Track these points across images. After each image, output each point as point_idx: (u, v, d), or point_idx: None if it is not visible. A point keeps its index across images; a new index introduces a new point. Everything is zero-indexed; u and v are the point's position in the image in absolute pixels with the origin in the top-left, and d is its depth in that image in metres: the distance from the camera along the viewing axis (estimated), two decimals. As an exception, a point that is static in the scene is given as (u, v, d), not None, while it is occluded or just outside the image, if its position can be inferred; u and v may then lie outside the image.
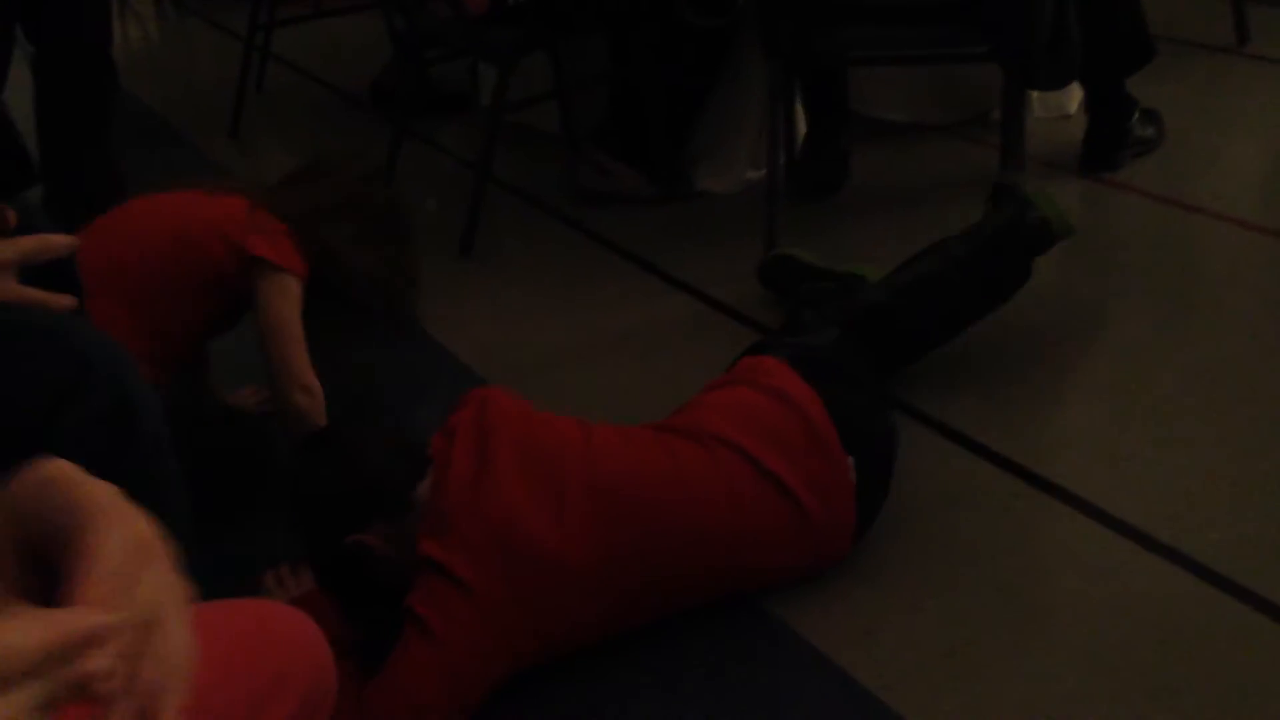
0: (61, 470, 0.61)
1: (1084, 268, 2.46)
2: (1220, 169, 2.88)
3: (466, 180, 2.76)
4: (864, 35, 2.45)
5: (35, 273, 0.94)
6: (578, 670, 1.53)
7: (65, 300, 0.96)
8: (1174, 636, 1.50)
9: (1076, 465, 1.83)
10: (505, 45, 2.64)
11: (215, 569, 1.64)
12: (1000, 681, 1.46)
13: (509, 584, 1.43)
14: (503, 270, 2.63)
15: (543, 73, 3.06)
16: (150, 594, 0.58)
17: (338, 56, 4.14)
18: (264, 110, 3.72)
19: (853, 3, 2.39)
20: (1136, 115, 2.84)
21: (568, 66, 3.05)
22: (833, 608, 1.60)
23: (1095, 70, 2.65)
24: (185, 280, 1.80)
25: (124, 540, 0.58)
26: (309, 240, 1.84)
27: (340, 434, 1.61)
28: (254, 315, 1.82)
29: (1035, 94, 3.00)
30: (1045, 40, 2.31)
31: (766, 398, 1.64)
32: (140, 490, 1.12)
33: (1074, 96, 3.06)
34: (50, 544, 0.59)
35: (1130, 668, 1.46)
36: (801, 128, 2.90)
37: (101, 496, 0.60)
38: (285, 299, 1.79)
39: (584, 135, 3.02)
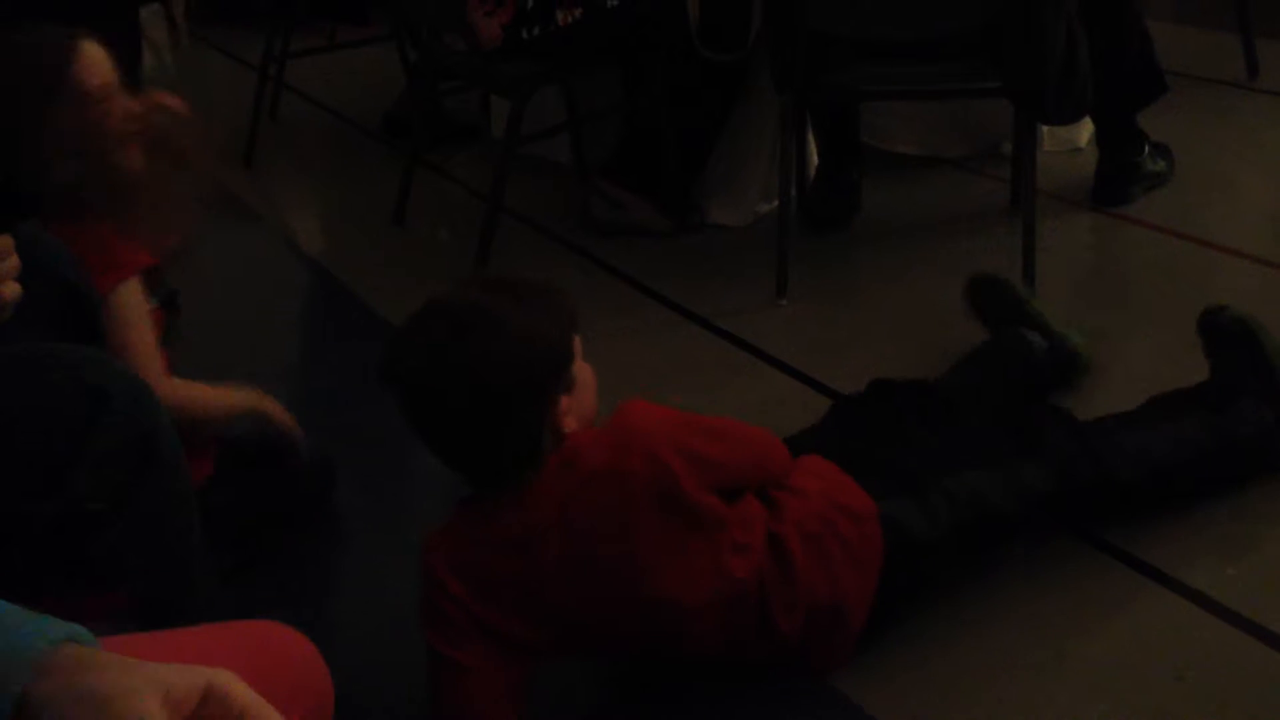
0: None
1: (1095, 301, 2.46)
2: (1232, 203, 2.88)
3: (478, 211, 2.77)
4: (876, 71, 2.46)
5: (54, 314, 0.94)
6: (579, 689, 1.53)
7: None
8: (1189, 673, 1.49)
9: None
10: (519, 79, 2.66)
11: (242, 599, 1.66)
12: (999, 704, 1.45)
13: None
14: (514, 301, 2.63)
15: (555, 104, 3.08)
16: None
17: (351, 88, 4.16)
18: (278, 140, 3.74)
19: (865, 39, 2.40)
20: (1147, 149, 2.84)
21: (580, 98, 3.07)
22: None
23: (1106, 105, 2.66)
24: None
25: None
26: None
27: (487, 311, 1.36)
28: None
29: (1046, 128, 3.01)
30: (1057, 75, 2.32)
31: (837, 514, 1.51)
32: (159, 518, 1.13)
33: (1084, 130, 3.07)
34: None
35: (1147, 704, 1.45)
36: (813, 160, 2.91)
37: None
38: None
39: (596, 167, 3.03)
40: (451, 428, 1.37)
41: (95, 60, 1.55)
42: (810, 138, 2.89)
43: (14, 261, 0.87)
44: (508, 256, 2.78)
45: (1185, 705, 1.45)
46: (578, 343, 1.41)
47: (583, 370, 1.44)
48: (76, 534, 1.07)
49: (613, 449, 1.38)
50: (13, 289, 0.87)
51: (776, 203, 2.61)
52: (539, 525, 1.38)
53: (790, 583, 1.45)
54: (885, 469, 1.58)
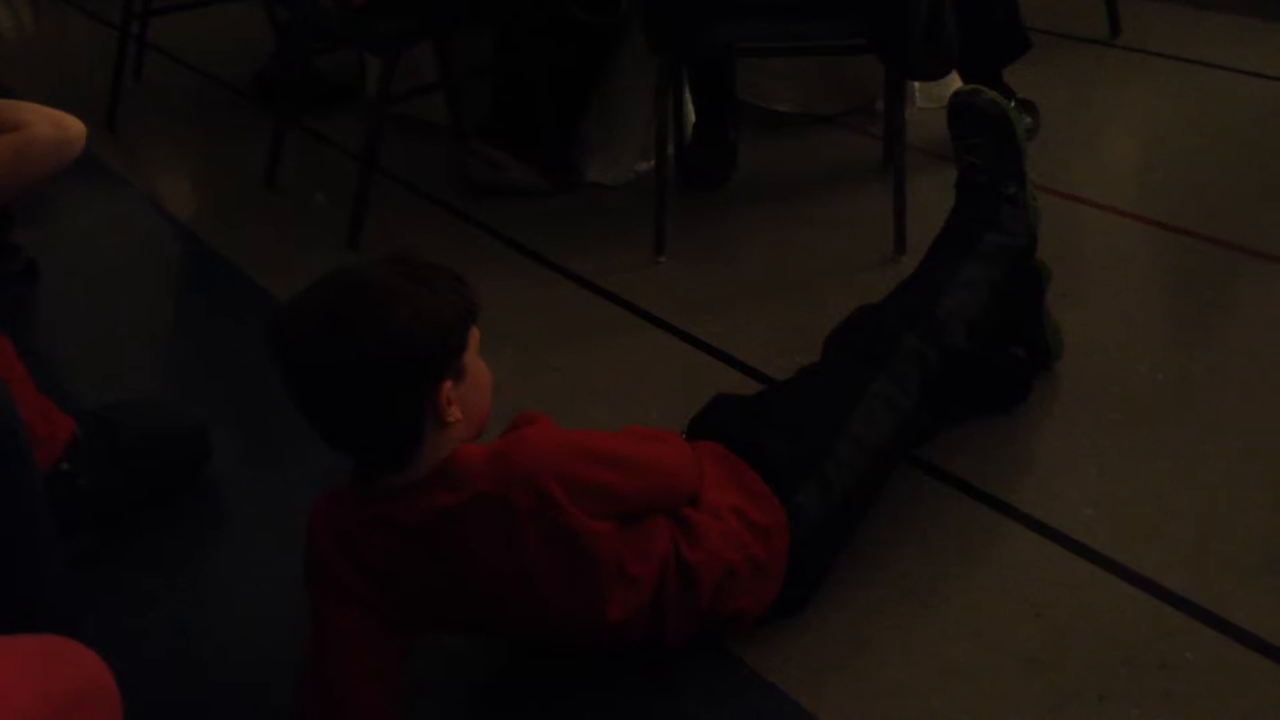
0: None
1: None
2: (1096, 158, 2.97)
3: (354, 173, 2.72)
4: (747, 28, 2.47)
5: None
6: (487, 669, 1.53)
7: None
8: (1048, 610, 1.55)
9: (948, 445, 1.86)
10: (389, 36, 2.61)
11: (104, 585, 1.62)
12: (886, 660, 1.50)
13: None
14: (391, 263, 2.59)
15: (432, 63, 3.03)
16: None
17: (219, 47, 4.04)
18: (142, 102, 3.62)
19: (734, -5, 2.41)
20: (1013, 105, 2.90)
21: (455, 57, 3.03)
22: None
23: (972, 62, 2.71)
24: None
25: None
26: None
27: (381, 285, 1.32)
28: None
29: (917, 85, 3.06)
30: (921, 32, 2.36)
31: (750, 536, 1.51)
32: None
33: (953, 87, 3.12)
34: None
35: (1008, 641, 1.51)
36: (690, 119, 2.92)
37: None
38: None
39: (473, 127, 3.00)
40: (330, 399, 1.32)
41: None
42: (687, 96, 2.89)
43: None
44: (384, 218, 2.74)
45: (1042, 640, 1.50)
46: (475, 335, 1.38)
47: (477, 366, 1.40)
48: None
49: (497, 478, 1.35)
50: None
51: (654, 161, 2.62)
52: (420, 526, 1.36)
53: (694, 609, 1.47)
54: (786, 461, 1.58)
